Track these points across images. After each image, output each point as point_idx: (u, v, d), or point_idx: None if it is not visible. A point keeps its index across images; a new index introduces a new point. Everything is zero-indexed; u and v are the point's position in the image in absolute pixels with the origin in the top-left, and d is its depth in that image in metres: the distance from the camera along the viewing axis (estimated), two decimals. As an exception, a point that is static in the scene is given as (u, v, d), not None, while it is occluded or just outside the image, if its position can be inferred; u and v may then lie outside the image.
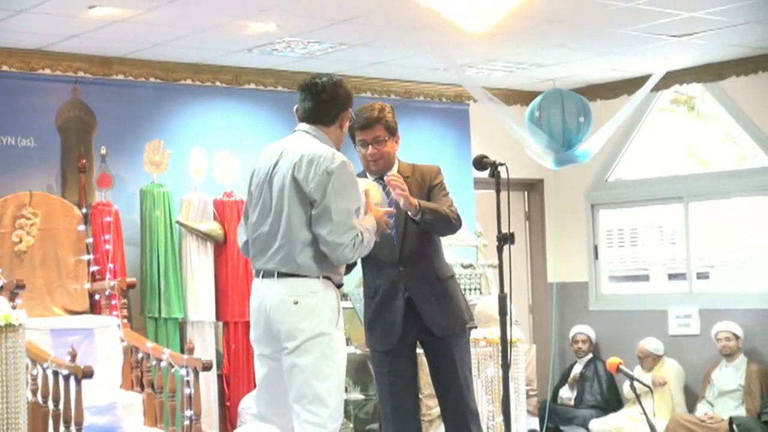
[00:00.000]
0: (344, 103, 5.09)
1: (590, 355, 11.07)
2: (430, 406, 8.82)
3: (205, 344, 9.00)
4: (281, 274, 4.92)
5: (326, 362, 4.90)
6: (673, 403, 10.28)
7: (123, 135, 9.12)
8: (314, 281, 4.90)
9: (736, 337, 9.98)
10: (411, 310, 5.60)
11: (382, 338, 5.67)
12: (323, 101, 5.06)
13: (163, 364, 7.68)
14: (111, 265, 8.53)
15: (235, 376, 9.16)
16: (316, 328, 4.88)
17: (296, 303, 4.88)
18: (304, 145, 4.98)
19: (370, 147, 5.57)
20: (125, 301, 8.39)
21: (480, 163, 5.36)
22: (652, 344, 10.48)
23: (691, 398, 10.39)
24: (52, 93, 8.91)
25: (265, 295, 5.00)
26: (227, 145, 9.36)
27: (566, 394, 11.04)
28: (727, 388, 9.94)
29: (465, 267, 9.83)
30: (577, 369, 11.09)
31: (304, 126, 5.12)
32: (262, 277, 5.02)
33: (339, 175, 4.85)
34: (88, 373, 6.70)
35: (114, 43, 8.62)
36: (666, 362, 10.45)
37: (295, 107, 5.29)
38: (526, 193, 12.07)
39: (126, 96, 9.24)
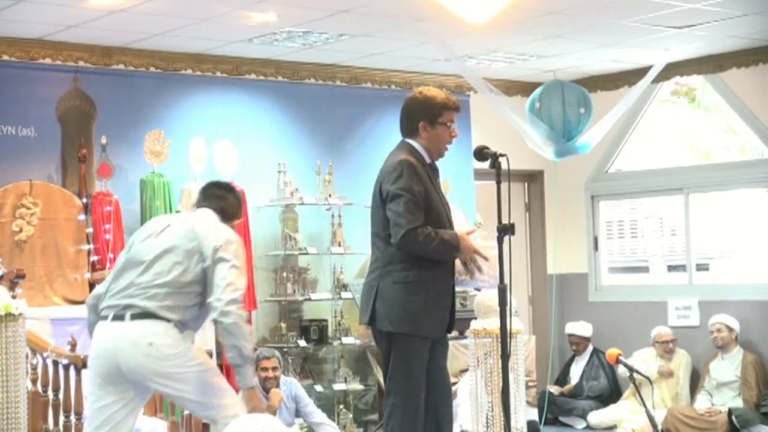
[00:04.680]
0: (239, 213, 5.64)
1: (591, 349, 11.07)
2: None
3: (204, 334, 8.98)
4: (135, 316, 5.10)
5: (210, 382, 5.18)
6: (678, 393, 10.30)
7: (123, 125, 9.13)
8: (168, 325, 5.12)
9: (729, 328, 10.00)
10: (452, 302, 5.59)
11: (436, 325, 5.47)
12: (234, 198, 5.57)
13: (163, 353, 7.67)
14: (111, 255, 8.53)
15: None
16: (181, 363, 5.13)
17: (151, 344, 5.06)
18: (213, 221, 5.39)
19: (455, 128, 5.58)
20: (125, 290, 8.39)
21: (480, 154, 5.37)
22: (666, 328, 10.50)
23: (692, 389, 10.41)
24: (53, 82, 8.92)
25: (118, 338, 5.13)
26: (227, 135, 9.37)
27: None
28: (725, 379, 9.96)
29: (465, 258, 9.83)
30: (576, 370, 11.10)
31: (206, 210, 5.47)
32: (112, 319, 5.15)
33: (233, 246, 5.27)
34: (87, 363, 6.70)
35: (114, 32, 8.62)
36: (678, 352, 10.47)
37: (195, 202, 5.61)
38: (526, 184, 12.07)
39: (126, 86, 9.25)
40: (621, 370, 10.30)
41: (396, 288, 5.33)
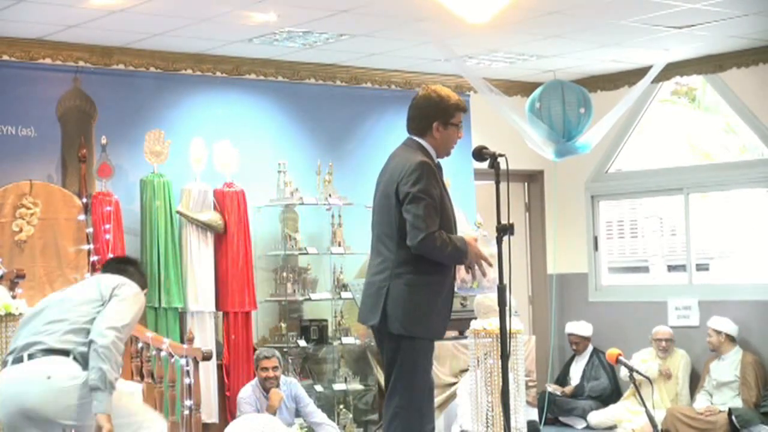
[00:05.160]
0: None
1: (591, 349, 11.07)
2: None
3: (205, 334, 9.01)
4: (31, 356, 5.10)
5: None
6: (677, 393, 10.30)
7: (123, 125, 9.13)
8: (67, 359, 5.12)
9: (717, 332, 10.00)
10: None
11: (443, 328, 5.51)
12: (135, 270, 5.65)
13: (163, 353, 7.68)
14: (111, 255, 8.52)
15: (234, 367, 9.17)
16: (85, 394, 5.07)
17: (49, 378, 5.03)
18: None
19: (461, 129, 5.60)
20: (125, 290, 8.39)
21: (480, 154, 5.38)
22: (666, 327, 10.50)
23: (692, 389, 10.41)
24: (53, 82, 8.92)
25: (17, 380, 5.08)
26: (227, 135, 9.37)
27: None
28: (724, 379, 9.96)
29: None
30: (576, 369, 11.10)
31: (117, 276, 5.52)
32: (12, 363, 5.11)
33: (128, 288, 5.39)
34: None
35: (114, 32, 8.62)
36: (677, 351, 10.47)
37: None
38: (526, 184, 12.07)
39: (126, 86, 9.25)
40: (622, 374, 10.32)
41: (409, 290, 5.29)
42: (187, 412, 7.40)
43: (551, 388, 10.93)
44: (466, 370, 8.36)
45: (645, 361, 10.33)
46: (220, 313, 9.25)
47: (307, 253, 9.71)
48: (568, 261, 11.58)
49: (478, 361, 7.29)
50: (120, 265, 5.64)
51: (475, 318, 7.46)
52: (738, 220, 10.67)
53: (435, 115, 5.44)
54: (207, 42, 9.09)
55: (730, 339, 10.01)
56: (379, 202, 5.46)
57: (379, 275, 5.37)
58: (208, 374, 8.77)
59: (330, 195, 9.74)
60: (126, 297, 5.24)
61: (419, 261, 5.27)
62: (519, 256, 11.65)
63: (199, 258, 9.07)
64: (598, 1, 8.08)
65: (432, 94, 5.48)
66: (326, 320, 9.76)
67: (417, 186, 5.22)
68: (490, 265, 5.40)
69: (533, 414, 9.96)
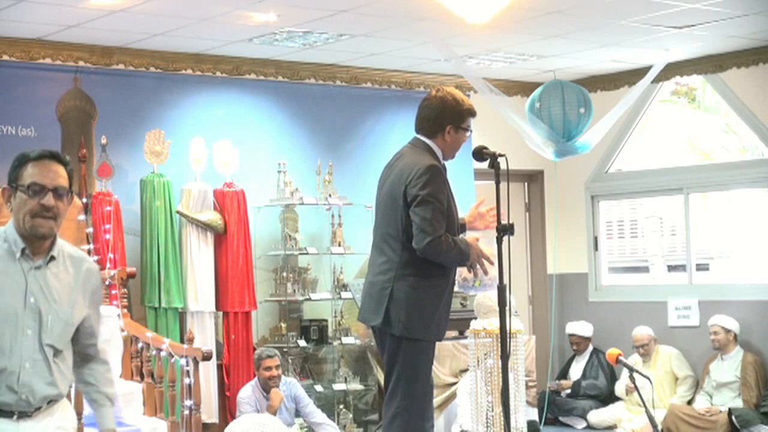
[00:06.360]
0: None
1: (591, 349, 11.07)
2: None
3: (205, 334, 9.01)
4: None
5: None
6: (675, 392, 10.29)
7: (123, 125, 9.13)
8: None
9: (726, 330, 9.98)
10: None
11: (444, 329, 5.54)
12: None
13: (163, 353, 7.69)
14: (111, 255, 8.54)
15: (234, 367, 9.17)
16: None
17: None
18: None
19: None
20: (125, 290, 8.41)
21: (479, 154, 5.38)
22: (645, 330, 10.49)
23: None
24: (53, 82, 8.92)
25: None
26: (227, 135, 9.37)
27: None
28: (725, 380, 9.95)
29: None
30: (576, 369, 11.09)
31: None
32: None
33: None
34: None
35: (114, 32, 8.62)
36: (660, 349, 10.46)
37: None
38: (526, 184, 12.07)
39: (126, 86, 9.25)
40: (618, 383, 10.32)
41: (412, 293, 5.30)
42: (187, 412, 7.41)
43: (556, 386, 10.93)
44: (466, 370, 8.35)
45: (636, 363, 10.32)
46: (220, 313, 9.26)
47: (307, 253, 9.71)
48: (568, 261, 11.58)
49: (478, 361, 7.29)
50: None
51: (475, 318, 7.46)
52: (738, 220, 10.67)
53: (449, 118, 5.45)
54: (207, 42, 9.09)
55: (734, 338, 10.00)
56: (384, 201, 5.45)
57: (383, 276, 5.36)
58: (208, 374, 8.77)
59: (330, 195, 9.74)
60: None
61: (423, 263, 5.28)
62: (519, 256, 11.65)
63: (199, 258, 9.07)
64: (598, 1, 8.09)
65: (448, 96, 5.48)
66: (326, 320, 9.76)
67: (426, 189, 5.22)
68: (492, 263, 5.42)
69: (533, 414, 9.95)
